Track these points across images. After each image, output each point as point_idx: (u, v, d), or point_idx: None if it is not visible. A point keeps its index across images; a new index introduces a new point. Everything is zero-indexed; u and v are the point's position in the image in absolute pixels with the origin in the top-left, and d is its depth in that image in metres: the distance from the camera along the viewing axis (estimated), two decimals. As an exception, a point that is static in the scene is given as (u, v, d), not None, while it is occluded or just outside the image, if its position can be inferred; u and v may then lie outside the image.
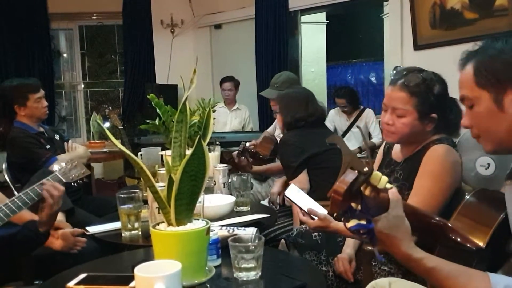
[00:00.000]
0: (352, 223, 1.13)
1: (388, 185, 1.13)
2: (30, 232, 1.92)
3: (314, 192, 2.70)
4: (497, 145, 1.26)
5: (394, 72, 1.95)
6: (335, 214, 1.18)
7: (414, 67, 1.94)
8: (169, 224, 1.35)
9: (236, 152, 3.22)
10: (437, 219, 1.27)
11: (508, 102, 1.19)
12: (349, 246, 2.13)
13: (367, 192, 1.10)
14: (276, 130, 4.01)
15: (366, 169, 1.07)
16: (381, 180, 1.10)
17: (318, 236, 2.28)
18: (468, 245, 1.17)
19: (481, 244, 1.22)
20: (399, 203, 1.14)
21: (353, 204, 1.13)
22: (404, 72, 1.90)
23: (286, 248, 2.44)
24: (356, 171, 1.08)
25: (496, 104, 1.21)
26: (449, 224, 1.20)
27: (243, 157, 3.17)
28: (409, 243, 1.15)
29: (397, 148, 2.08)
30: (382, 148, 2.21)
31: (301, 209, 1.93)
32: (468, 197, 1.40)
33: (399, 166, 2.00)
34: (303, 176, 2.82)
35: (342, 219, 1.15)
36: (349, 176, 1.08)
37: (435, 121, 1.87)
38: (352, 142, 5.12)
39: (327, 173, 2.70)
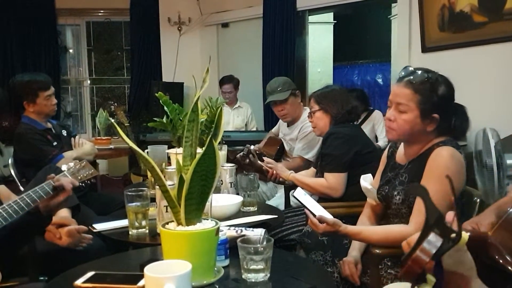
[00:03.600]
0: None
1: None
2: (31, 216, 1.92)
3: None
4: None
5: (402, 70, 1.98)
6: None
7: (422, 68, 1.97)
8: (179, 223, 1.35)
9: (240, 154, 3.20)
10: (478, 232, 1.15)
11: None
12: (355, 249, 2.13)
13: None
14: (280, 131, 3.98)
15: (454, 235, 0.92)
16: (464, 241, 0.97)
17: (324, 237, 2.27)
18: (510, 267, 1.04)
19: None
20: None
21: None
22: (411, 71, 1.94)
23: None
24: (441, 236, 0.92)
25: None
26: (494, 241, 1.09)
27: (247, 160, 3.15)
28: (477, 280, 1.02)
29: (401, 151, 2.10)
30: (386, 151, 2.24)
31: (310, 212, 1.93)
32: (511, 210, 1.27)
33: (403, 169, 2.02)
34: (342, 179, 2.68)
35: (411, 285, 1.00)
36: (433, 243, 0.92)
37: (436, 122, 1.90)
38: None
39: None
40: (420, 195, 1.04)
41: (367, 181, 2.22)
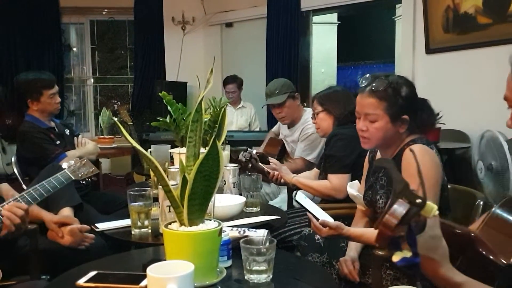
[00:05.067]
0: (397, 257, 1.03)
1: (436, 212, 1.05)
2: None
3: None
4: None
5: (362, 80, 2.00)
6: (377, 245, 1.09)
7: (380, 73, 2.02)
8: (182, 224, 1.34)
9: (243, 159, 3.19)
10: (463, 229, 1.21)
11: None
12: (352, 249, 2.14)
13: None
14: (280, 133, 3.98)
15: (419, 200, 1.00)
16: (433, 210, 1.03)
17: (320, 239, 2.27)
18: (497, 261, 1.10)
19: (509, 260, 1.14)
20: (437, 223, 1.07)
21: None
22: (371, 79, 1.96)
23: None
24: (408, 203, 1.00)
25: None
26: (478, 236, 1.14)
27: (250, 165, 3.14)
28: (448, 265, 1.08)
29: (379, 155, 2.14)
30: (367, 157, 2.26)
31: (313, 216, 1.93)
32: (495, 208, 1.31)
33: (382, 172, 2.05)
34: (346, 181, 2.62)
35: (386, 251, 1.08)
36: (400, 208, 0.99)
37: (407, 122, 1.95)
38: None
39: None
40: (386, 167, 1.14)
41: (354, 188, 2.24)
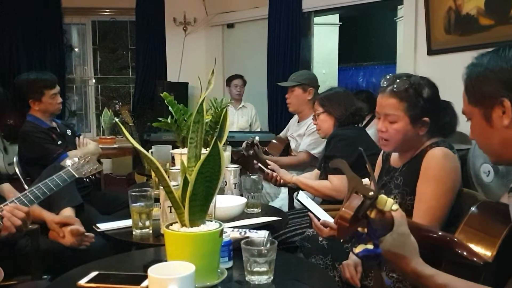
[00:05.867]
0: (359, 248, 1.13)
1: (394, 207, 1.12)
2: None
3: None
4: (495, 158, 1.29)
5: (383, 80, 1.98)
6: (341, 240, 1.17)
7: (402, 74, 1.99)
8: (183, 224, 1.34)
9: (244, 146, 3.20)
10: (440, 233, 1.28)
11: (496, 117, 1.21)
12: None
13: (372, 214, 1.10)
14: (289, 130, 3.99)
15: (371, 193, 1.08)
16: (387, 203, 1.10)
17: (324, 241, 2.27)
18: (476, 259, 1.16)
19: (488, 258, 1.20)
20: (404, 221, 1.14)
21: (359, 228, 1.13)
22: (393, 79, 1.94)
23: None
24: (361, 196, 1.08)
25: (485, 120, 1.23)
26: (455, 239, 1.19)
27: (251, 151, 3.14)
28: (418, 259, 1.14)
29: (395, 154, 2.11)
30: (380, 156, 2.23)
31: (315, 216, 1.93)
32: (473, 209, 1.39)
33: (398, 172, 2.03)
34: (342, 181, 2.64)
35: (349, 244, 1.15)
36: (355, 201, 1.08)
37: (427, 124, 1.92)
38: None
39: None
40: (340, 166, 1.19)
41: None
